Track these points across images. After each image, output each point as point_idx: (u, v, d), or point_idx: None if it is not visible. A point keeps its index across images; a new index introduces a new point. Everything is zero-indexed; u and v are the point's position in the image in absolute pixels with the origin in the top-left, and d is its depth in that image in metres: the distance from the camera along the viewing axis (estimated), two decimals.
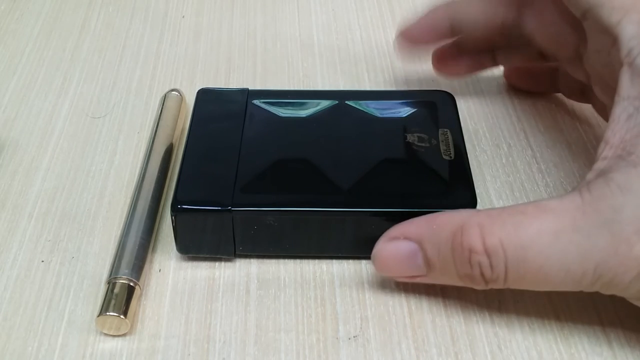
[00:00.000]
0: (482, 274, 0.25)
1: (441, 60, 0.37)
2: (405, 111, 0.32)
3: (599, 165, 0.24)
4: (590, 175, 0.24)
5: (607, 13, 0.25)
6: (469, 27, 0.33)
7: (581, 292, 0.25)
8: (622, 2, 0.25)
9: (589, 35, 0.27)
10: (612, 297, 0.25)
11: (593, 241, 0.23)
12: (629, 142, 0.24)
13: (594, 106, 0.33)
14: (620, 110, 0.24)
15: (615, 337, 0.27)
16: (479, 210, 0.25)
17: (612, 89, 0.25)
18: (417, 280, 0.27)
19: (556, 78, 0.35)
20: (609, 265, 0.23)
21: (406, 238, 0.26)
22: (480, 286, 0.25)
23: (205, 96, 0.33)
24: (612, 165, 0.24)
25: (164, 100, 0.35)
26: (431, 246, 0.26)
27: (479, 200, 0.28)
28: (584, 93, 0.34)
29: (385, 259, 0.27)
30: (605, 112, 0.31)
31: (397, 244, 0.27)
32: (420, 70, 0.39)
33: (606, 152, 0.24)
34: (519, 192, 0.32)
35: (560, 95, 0.37)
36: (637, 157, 0.23)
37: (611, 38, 0.25)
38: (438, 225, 0.26)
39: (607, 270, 0.23)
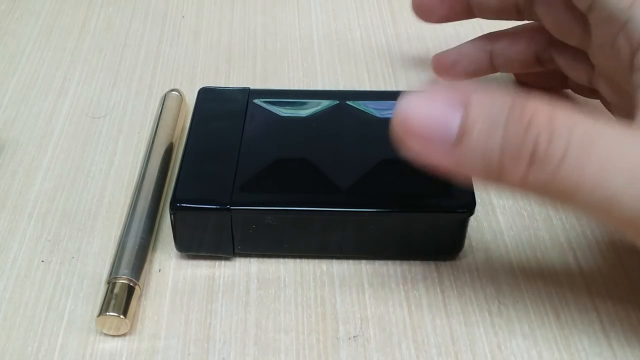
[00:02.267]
0: (534, 151, 0.21)
1: (441, 64, 0.37)
2: None
3: None
4: None
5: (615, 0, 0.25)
6: None
7: (581, 292, 0.25)
8: None
9: (594, 28, 0.27)
10: (612, 298, 0.25)
11: None
12: None
13: (603, 101, 0.33)
14: None
15: (615, 337, 0.27)
16: None
17: (615, 82, 0.25)
18: (433, 156, 0.22)
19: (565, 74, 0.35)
20: None
21: (450, 98, 0.22)
22: (519, 168, 0.21)
23: (206, 95, 0.33)
24: None
25: (164, 100, 0.35)
26: (479, 108, 0.21)
27: (478, 200, 0.28)
28: (592, 90, 0.34)
29: (412, 110, 0.22)
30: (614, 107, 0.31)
31: (435, 98, 0.22)
32: (420, 70, 0.39)
33: None
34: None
35: (560, 93, 0.37)
36: None
37: (617, 26, 0.25)
38: (494, 93, 0.22)
39: None
